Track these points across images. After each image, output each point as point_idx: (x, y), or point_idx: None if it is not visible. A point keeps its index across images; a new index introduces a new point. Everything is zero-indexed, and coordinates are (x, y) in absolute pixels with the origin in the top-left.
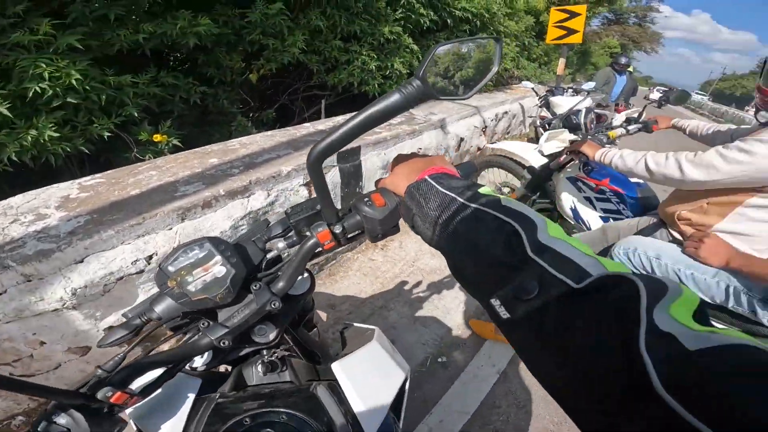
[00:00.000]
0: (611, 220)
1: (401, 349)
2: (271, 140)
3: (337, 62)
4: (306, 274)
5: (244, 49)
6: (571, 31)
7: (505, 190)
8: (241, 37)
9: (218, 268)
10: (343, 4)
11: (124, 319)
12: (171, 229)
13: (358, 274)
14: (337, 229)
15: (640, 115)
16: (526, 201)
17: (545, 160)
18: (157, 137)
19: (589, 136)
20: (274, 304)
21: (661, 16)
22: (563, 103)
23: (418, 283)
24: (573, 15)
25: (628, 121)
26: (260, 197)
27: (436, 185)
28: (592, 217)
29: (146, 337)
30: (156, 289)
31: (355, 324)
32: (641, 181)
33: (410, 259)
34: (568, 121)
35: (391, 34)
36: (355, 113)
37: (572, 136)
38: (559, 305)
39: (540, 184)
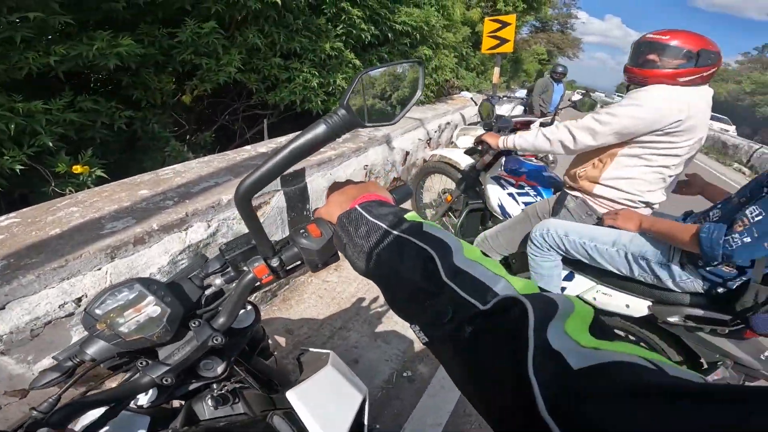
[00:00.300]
0: None
1: (365, 367)
2: (209, 166)
3: (278, 80)
4: (249, 307)
5: (174, 69)
6: (503, 41)
7: (444, 195)
8: (171, 56)
9: (152, 308)
10: (281, 21)
11: (56, 362)
12: (100, 269)
13: (313, 296)
14: (275, 263)
15: (553, 120)
16: (461, 203)
17: (472, 161)
18: (77, 168)
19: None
20: (216, 340)
21: (579, 22)
22: (499, 112)
23: (375, 300)
24: (504, 24)
25: (543, 126)
26: (200, 229)
27: (365, 213)
28: (516, 210)
29: (87, 377)
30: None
31: (311, 349)
32: (553, 174)
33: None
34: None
35: (333, 50)
36: (280, 146)
37: (483, 131)
38: (469, 327)
39: (471, 185)
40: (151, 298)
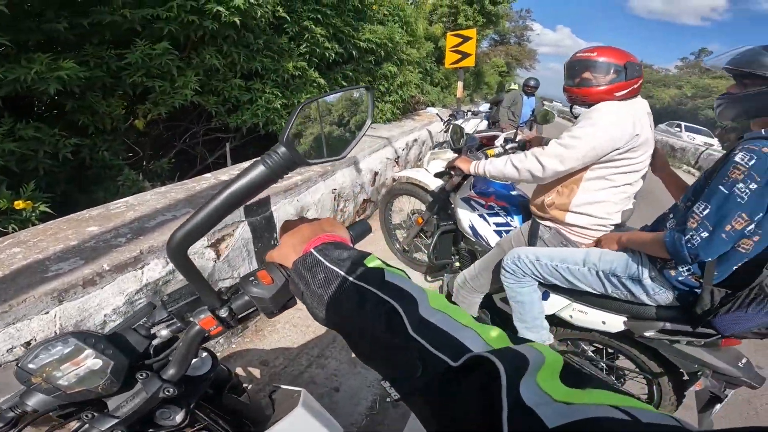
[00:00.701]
0: (503, 233)
1: (346, 395)
2: (165, 198)
3: (239, 102)
4: (205, 354)
5: (125, 92)
6: (465, 55)
7: (414, 216)
8: (120, 79)
9: (92, 360)
10: (241, 41)
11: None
12: (47, 313)
13: (287, 326)
14: (223, 313)
15: (515, 135)
16: (431, 225)
17: (442, 183)
18: (19, 204)
19: (467, 154)
20: (167, 391)
21: (534, 34)
22: (465, 126)
23: None
24: (465, 39)
25: (506, 141)
26: (157, 266)
27: (322, 258)
28: (488, 232)
29: (37, 424)
30: None
31: (283, 386)
32: (521, 193)
33: None
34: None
35: (296, 69)
36: (216, 192)
37: (454, 155)
38: (441, 385)
39: (442, 206)
40: (89, 351)
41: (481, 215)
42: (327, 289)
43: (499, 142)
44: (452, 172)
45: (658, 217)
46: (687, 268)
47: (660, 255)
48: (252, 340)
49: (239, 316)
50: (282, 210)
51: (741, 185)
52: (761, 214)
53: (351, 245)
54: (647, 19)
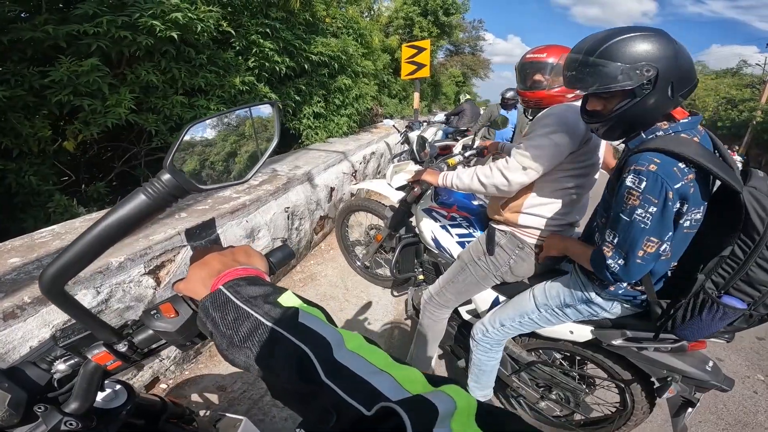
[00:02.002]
0: (466, 244)
1: None
2: None
3: (182, 119)
4: (119, 386)
5: (50, 112)
6: (420, 66)
7: (372, 232)
8: (45, 98)
9: None
10: (181, 56)
11: None
12: None
13: None
14: (122, 348)
15: (473, 142)
16: (392, 239)
17: (402, 195)
18: None
19: (431, 166)
20: (69, 424)
21: (486, 43)
22: (425, 136)
23: None
24: (420, 50)
25: (465, 148)
26: (86, 297)
27: (232, 297)
28: (450, 244)
29: None
30: None
31: (227, 414)
32: (483, 202)
33: None
34: (413, 154)
35: (244, 84)
36: (90, 226)
37: (417, 167)
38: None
39: (402, 219)
40: None
41: (443, 226)
42: (237, 331)
43: (457, 149)
44: (416, 186)
45: (587, 224)
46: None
47: (591, 270)
48: (207, 365)
49: (145, 350)
50: (230, 232)
51: (640, 211)
52: (671, 233)
53: (267, 278)
54: (587, 26)
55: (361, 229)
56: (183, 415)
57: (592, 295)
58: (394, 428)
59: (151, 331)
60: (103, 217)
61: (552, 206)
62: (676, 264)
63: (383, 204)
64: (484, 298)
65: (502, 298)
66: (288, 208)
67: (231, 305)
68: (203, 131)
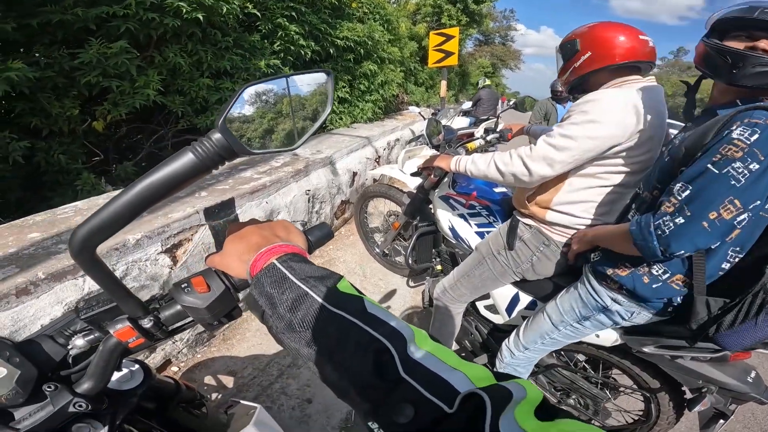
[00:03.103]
0: (485, 235)
1: (320, 407)
2: None
3: (207, 102)
4: (136, 366)
5: (80, 93)
6: (448, 54)
7: (391, 219)
8: (74, 79)
9: None
10: (208, 39)
11: None
12: None
13: (258, 334)
14: (147, 324)
15: (496, 125)
16: (408, 227)
17: (420, 181)
18: None
19: (447, 151)
20: (79, 406)
21: (518, 34)
22: (453, 125)
23: None
24: (448, 38)
25: (487, 132)
26: None
27: (289, 274)
28: (468, 234)
29: None
30: None
31: (241, 401)
32: (505, 190)
33: None
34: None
35: (269, 67)
36: (131, 184)
37: (433, 151)
38: (434, 429)
39: (419, 207)
40: None
41: (461, 215)
42: (296, 313)
43: (479, 132)
44: (428, 172)
45: (621, 212)
46: (664, 269)
47: (626, 250)
48: (219, 349)
49: (170, 328)
50: (249, 213)
51: (738, 164)
52: (758, 202)
53: (308, 256)
54: (626, 18)
55: (379, 217)
56: (194, 400)
57: (607, 302)
58: (473, 411)
59: (179, 307)
60: (145, 174)
61: (586, 205)
62: (741, 256)
63: (402, 191)
64: (503, 294)
65: (522, 295)
66: (309, 191)
67: (288, 283)
68: (256, 94)
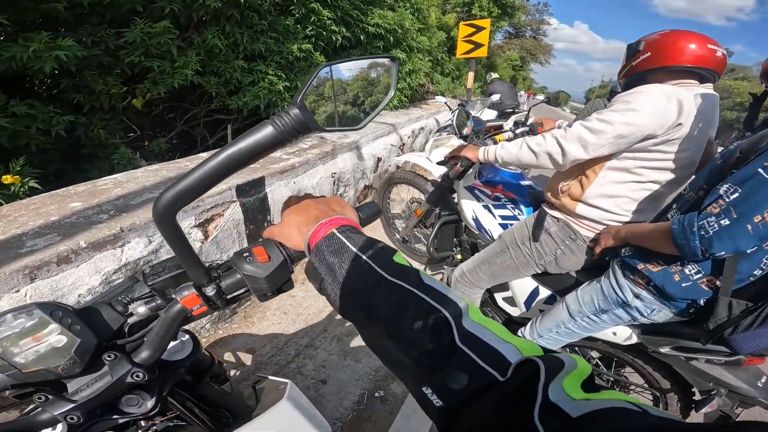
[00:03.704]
0: (509, 227)
1: (334, 388)
2: (155, 176)
3: (241, 84)
4: (186, 337)
5: (122, 71)
6: (477, 45)
7: (413, 206)
8: (118, 58)
9: (56, 337)
10: (245, 21)
11: None
12: (18, 291)
13: (277, 313)
14: (210, 291)
15: (527, 118)
16: (430, 215)
17: (445, 170)
18: (7, 179)
19: (475, 141)
20: (136, 376)
21: (551, 28)
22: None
23: None
24: (479, 29)
25: (516, 125)
26: (138, 246)
27: (348, 243)
28: (492, 225)
29: None
30: None
31: (269, 377)
32: (532, 183)
33: None
34: (456, 129)
35: (301, 51)
36: (214, 152)
37: (460, 141)
38: (486, 396)
39: (442, 196)
40: (54, 326)
41: (485, 206)
42: (356, 280)
43: (508, 125)
44: (455, 162)
45: (659, 212)
46: (697, 269)
47: (662, 248)
48: (240, 325)
49: (228, 297)
50: (277, 192)
51: None
52: None
53: (362, 230)
54: (670, 17)
55: (401, 204)
56: (220, 375)
57: (629, 297)
58: (524, 378)
59: (239, 276)
60: (229, 144)
61: (619, 200)
62: None
63: (426, 179)
64: (523, 286)
65: (542, 289)
66: (335, 173)
67: (348, 252)
68: (329, 75)
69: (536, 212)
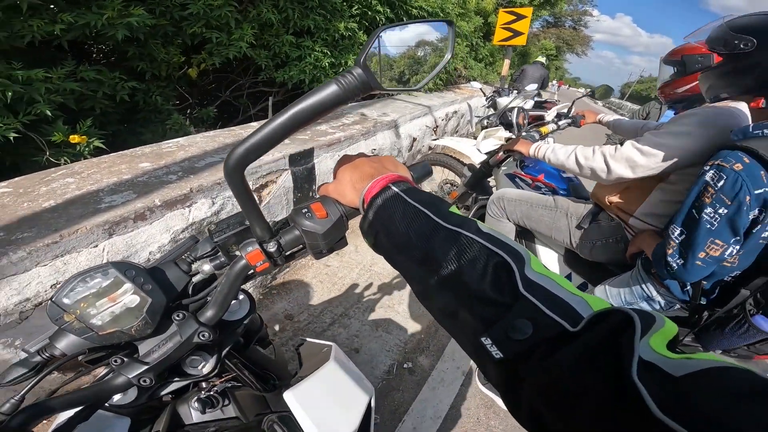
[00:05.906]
0: None
1: (366, 358)
2: (214, 141)
3: (288, 58)
4: (243, 296)
5: (183, 41)
6: (516, 33)
7: (446, 188)
8: (181, 29)
9: (130, 297)
10: None
11: (25, 355)
12: (96, 246)
13: (314, 281)
14: (271, 247)
15: (570, 110)
16: (466, 198)
17: (484, 157)
18: (74, 138)
19: (522, 134)
20: (203, 336)
21: (593, 19)
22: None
23: (377, 287)
24: (519, 17)
25: (559, 116)
26: (203, 206)
27: (406, 197)
28: None
29: (65, 368)
30: None
31: (311, 340)
32: (572, 175)
33: (367, 263)
34: (504, 119)
35: (347, 30)
36: (282, 110)
37: (508, 134)
38: (556, 347)
39: (480, 181)
40: (128, 285)
41: None
42: (413, 229)
43: (551, 116)
44: (509, 155)
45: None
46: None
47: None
48: (279, 292)
49: (286, 253)
50: (323, 164)
51: (709, 210)
52: (738, 238)
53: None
54: (719, 14)
55: (433, 185)
56: (265, 339)
57: (653, 292)
58: (613, 329)
59: (297, 232)
60: (296, 101)
61: (666, 220)
62: (739, 273)
63: (462, 162)
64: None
65: (575, 277)
66: (375, 150)
67: (404, 204)
68: (388, 37)
69: (591, 206)
